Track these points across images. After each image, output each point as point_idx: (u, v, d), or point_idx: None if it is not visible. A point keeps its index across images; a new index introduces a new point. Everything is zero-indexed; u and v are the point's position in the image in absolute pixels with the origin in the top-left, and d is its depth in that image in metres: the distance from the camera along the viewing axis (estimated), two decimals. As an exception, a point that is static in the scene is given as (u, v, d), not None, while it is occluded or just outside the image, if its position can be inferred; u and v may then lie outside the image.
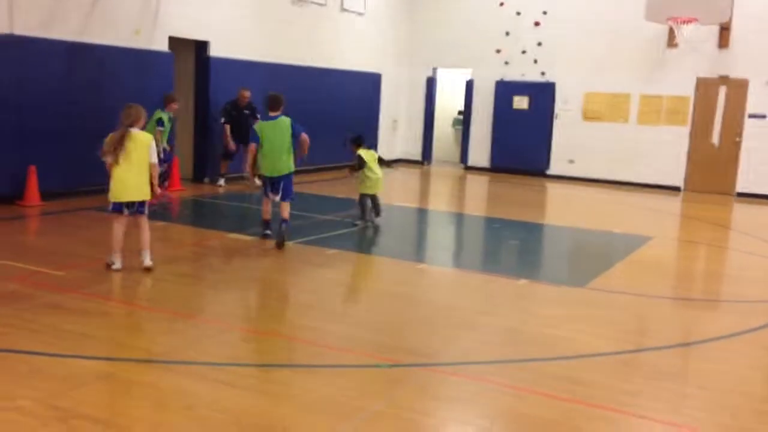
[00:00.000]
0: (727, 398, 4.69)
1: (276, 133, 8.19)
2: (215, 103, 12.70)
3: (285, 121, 8.25)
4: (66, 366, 4.61)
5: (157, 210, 9.45)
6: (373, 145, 13.40)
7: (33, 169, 9.73)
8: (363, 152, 9.72)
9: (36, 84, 9.90)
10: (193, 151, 13.05)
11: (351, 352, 5.14)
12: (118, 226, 6.83)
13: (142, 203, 6.85)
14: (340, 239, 8.99)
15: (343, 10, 15.96)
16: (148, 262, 6.88)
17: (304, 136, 8.31)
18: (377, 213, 9.88)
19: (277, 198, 8.36)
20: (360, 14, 16.50)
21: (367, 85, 16.85)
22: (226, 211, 11.27)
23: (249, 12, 13.43)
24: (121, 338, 5.25)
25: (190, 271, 7.43)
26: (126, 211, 6.82)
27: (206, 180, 12.96)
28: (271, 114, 8.32)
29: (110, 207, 6.84)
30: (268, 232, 8.52)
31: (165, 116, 10.57)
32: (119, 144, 6.59)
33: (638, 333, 6.20)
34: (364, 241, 9.42)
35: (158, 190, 7.04)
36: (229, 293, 6.60)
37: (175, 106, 10.86)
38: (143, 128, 6.91)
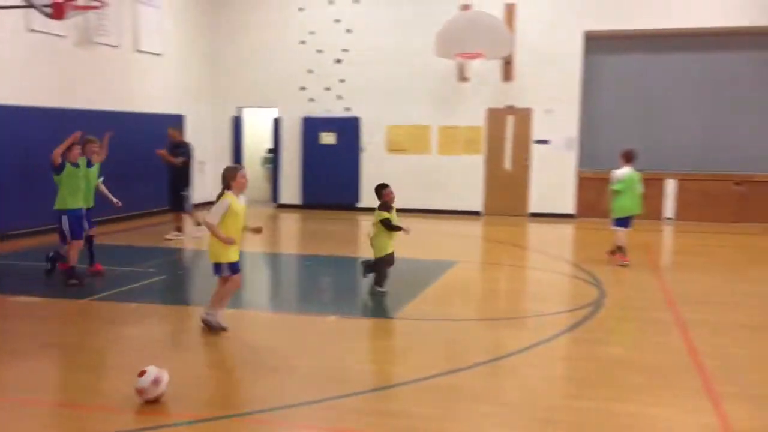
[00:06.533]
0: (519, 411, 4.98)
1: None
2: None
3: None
4: None
5: None
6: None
7: None
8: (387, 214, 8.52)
9: None
10: None
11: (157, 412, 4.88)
12: None
13: None
14: (142, 292, 8.58)
15: (138, 51, 15.42)
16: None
17: None
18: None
19: None
20: (157, 55, 16.02)
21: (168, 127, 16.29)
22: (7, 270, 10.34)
23: (32, 55, 12.58)
24: None
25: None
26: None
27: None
28: None
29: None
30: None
31: None
32: None
33: (446, 358, 6.39)
34: (162, 293, 9.09)
35: None
36: (24, 363, 6.04)
37: None
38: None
